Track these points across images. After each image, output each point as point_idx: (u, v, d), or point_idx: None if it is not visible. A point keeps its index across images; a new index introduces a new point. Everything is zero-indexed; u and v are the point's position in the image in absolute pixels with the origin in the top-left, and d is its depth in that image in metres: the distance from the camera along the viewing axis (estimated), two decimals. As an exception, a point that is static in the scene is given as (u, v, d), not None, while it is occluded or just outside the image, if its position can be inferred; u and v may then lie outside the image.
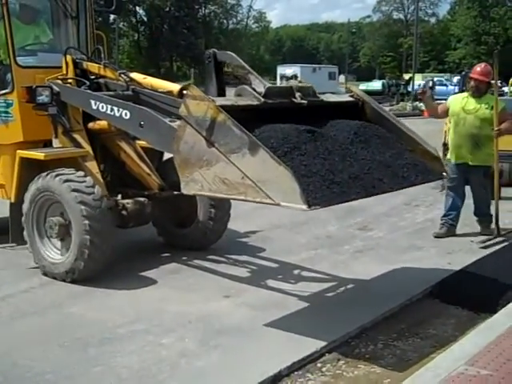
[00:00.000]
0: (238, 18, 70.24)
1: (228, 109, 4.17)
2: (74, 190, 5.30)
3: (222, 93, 5.29)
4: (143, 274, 5.74)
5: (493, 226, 7.06)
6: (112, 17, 43.79)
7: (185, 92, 5.40)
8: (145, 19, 62.00)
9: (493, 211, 7.08)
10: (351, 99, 5.13)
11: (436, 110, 7.38)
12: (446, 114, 7.22)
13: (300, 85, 4.71)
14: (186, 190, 4.43)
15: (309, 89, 4.78)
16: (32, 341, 4.35)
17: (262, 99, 4.43)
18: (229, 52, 5.42)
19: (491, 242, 6.81)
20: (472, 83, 7.01)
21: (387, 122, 5.02)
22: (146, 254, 6.40)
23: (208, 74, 5.37)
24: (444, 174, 5.10)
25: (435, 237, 7.05)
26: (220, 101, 4.26)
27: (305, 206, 3.73)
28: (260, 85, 4.83)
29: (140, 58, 59.03)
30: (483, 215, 7.18)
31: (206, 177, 4.22)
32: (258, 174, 3.93)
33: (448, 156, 7.22)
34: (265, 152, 3.87)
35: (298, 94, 4.58)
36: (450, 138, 7.21)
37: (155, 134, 5.03)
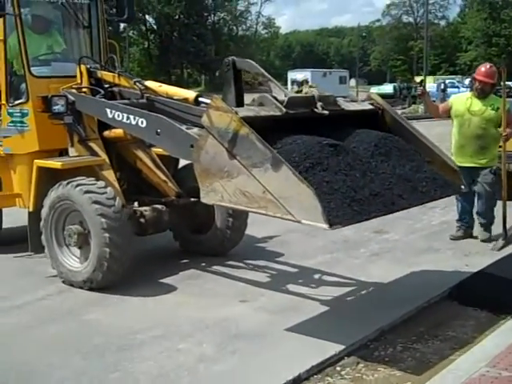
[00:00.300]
0: (248, 25, 70.59)
1: (251, 120, 4.16)
2: (95, 202, 5.28)
3: (240, 100, 5.28)
4: (159, 280, 5.75)
5: (497, 243, 6.76)
6: (122, 25, 44.04)
7: (208, 102, 5.43)
8: (154, 27, 62.35)
9: (497, 215, 6.92)
10: (371, 107, 5.10)
11: (436, 109, 7.34)
12: (447, 113, 7.10)
13: (321, 94, 4.69)
14: (205, 199, 4.43)
15: (329, 98, 4.77)
16: (50, 348, 4.36)
17: (284, 109, 4.40)
18: (248, 60, 5.40)
19: (503, 243, 6.69)
20: (477, 84, 6.87)
21: (406, 132, 5.00)
22: (162, 261, 6.41)
23: (226, 82, 5.34)
24: (462, 187, 5.07)
25: (451, 239, 7.00)
26: (243, 112, 4.24)
27: (326, 226, 3.74)
28: (280, 92, 4.85)
29: (151, 66, 59.32)
30: (486, 219, 6.98)
31: (226, 188, 4.22)
32: (280, 190, 3.92)
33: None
34: (287, 168, 3.87)
35: (319, 104, 4.56)
36: (453, 139, 7.05)
37: (172, 142, 5.04)
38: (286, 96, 4.81)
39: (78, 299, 5.31)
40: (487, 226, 6.99)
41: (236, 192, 4.17)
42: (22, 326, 4.76)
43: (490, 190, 6.89)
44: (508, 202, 6.93)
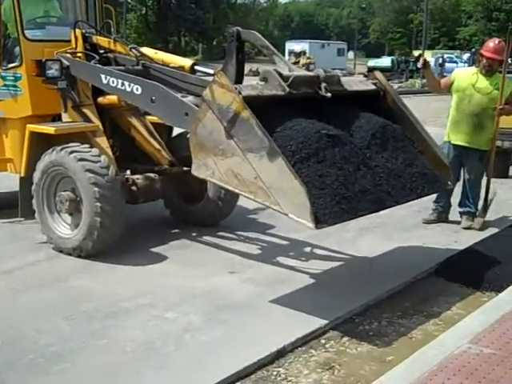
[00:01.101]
0: (247, -7, 69.66)
1: (253, 99, 4.14)
2: (88, 171, 5.25)
3: (240, 73, 5.21)
4: (149, 249, 5.76)
5: (476, 220, 6.72)
6: (120, -10, 43.53)
7: (204, 70, 5.41)
8: (153, -7, 61.54)
9: (479, 206, 6.78)
10: (373, 88, 5.07)
11: (438, 83, 6.95)
12: (448, 88, 6.78)
13: (326, 74, 4.65)
14: (196, 172, 4.44)
15: (334, 77, 4.74)
16: (38, 313, 4.38)
17: (287, 89, 4.37)
18: (253, 31, 5.30)
19: (483, 221, 6.64)
20: (484, 61, 6.53)
21: (404, 117, 5.02)
22: (152, 230, 6.42)
23: (229, 53, 5.24)
24: (450, 183, 5.11)
25: (424, 222, 6.77)
26: (246, 90, 4.20)
27: (312, 225, 3.81)
28: (285, 67, 4.80)
29: (148, 33, 58.67)
30: (468, 208, 6.79)
31: (219, 166, 4.23)
32: (272, 180, 3.94)
33: (445, 138, 6.77)
34: (282, 161, 3.88)
35: (323, 85, 4.53)
36: (450, 115, 6.77)
37: (166, 109, 5.02)
38: (290, 70, 4.77)
39: (67, 266, 5.32)
40: (469, 215, 6.79)
41: (228, 172, 4.19)
42: (10, 291, 4.78)
43: (476, 180, 6.74)
44: (498, 180, 6.90)
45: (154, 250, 5.74)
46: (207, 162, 4.30)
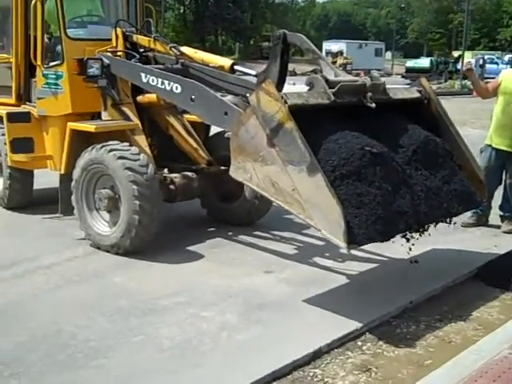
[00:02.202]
0: (285, -8, 69.54)
1: (299, 108, 4.15)
2: (128, 169, 5.29)
3: (283, 75, 5.18)
4: (185, 247, 5.79)
5: None
6: (159, -11, 43.90)
7: (244, 70, 5.45)
8: (191, -8, 61.91)
9: None
10: (418, 96, 5.04)
11: (485, 88, 6.75)
12: (495, 91, 6.56)
13: (373, 82, 4.63)
14: (234, 174, 4.47)
15: (380, 86, 4.73)
16: (77, 309, 4.44)
17: (333, 97, 4.37)
18: (299, 34, 5.27)
19: None
20: None
21: (445, 128, 5.01)
22: (189, 228, 6.45)
23: (273, 55, 5.21)
24: (484, 201, 5.14)
25: (462, 226, 6.56)
26: (292, 99, 4.20)
27: (344, 245, 3.83)
28: (331, 72, 4.79)
29: (185, 32, 59.01)
30: (509, 212, 6.65)
31: (257, 172, 4.25)
32: (309, 195, 3.95)
33: (487, 141, 6.61)
34: (322, 178, 3.88)
35: (368, 94, 4.52)
36: (494, 117, 6.56)
37: (206, 108, 5.04)
38: (336, 76, 4.75)
39: (104, 262, 5.38)
40: (510, 219, 6.64)
41: (266, 179, 4.20)
42: (50, 286, 4.85)
43: None
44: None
45: (190, 248, 5.77)
46: (246, 165, 4.32)
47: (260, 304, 4.56)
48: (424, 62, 43.16)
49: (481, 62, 33.03)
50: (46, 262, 5.35)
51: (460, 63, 36.57)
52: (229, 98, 4.97)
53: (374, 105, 4.51)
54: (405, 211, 4.24)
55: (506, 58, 42.28)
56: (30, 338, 3.99)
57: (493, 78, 6.89)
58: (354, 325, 4.20)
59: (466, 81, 28.60)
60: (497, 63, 39.59)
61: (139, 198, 5.26)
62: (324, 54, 44.80)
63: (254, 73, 5.43)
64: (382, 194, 4.13)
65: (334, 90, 4.40)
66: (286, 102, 4.11)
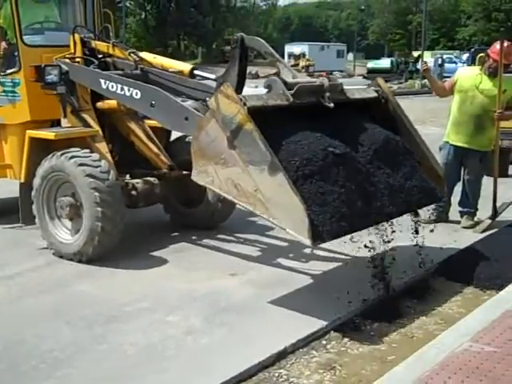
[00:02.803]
0: (246, -4, 69.67)
1: (258, 110, 4.17)
2: (89, 176, 5.25)
3: (242, 78, 5.20)
4: (149, 253, 5.77)
5: (476, 219, 6.73)
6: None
7: (203, 75, 5.47)
8: (152, -3, 61.61)
9: (480, 205, 6.76)
10: (375, 95, 5.11)
11: (442, 87, 6.90)
12: (452, 90, 6.70)
13: (331, 83, 4.68)
14: (196, 178, 4.47)
15: (338, 86, 4.78)
16: (39, 319, 4.39)
17: (291, 98, 4.40)
18: (257, 38, 5.28)
19: (488, 224, 6.56)
20: (491, 62, 6.42)
21: (403, 127, 5.07)
22: (152, 234, 6.43)
23: (232, 59, 5.20)
24: (444, 196, 5.23)
25: (424, 223, 6.34)
26: (251, 101, 4.22)
27: (309, 242, 3.87)
28: (289, 74, 4.82)
29: (147, 37, 58.73)
30: (468, 208, 6.78)
31: (219, 174, 4.27)
32: (272, 194, 3.97)
33: (445, 138, 6.75)
34: (283, 176, 3.91)
35: (327, 95, 4.55)
36: (451, 115, 6.70)
37: (166, 114, 5.04)
38: (294, 77, 4.79)
39: (67, 271, 5.33)
40: (469, 215, 6.77)
41: (228, 181, 4.22)
42: (11, 297, 4.79)
43: (476, 180, 6.71)
44: (498, 179, 6.83)
45: (154, 253, 5.75)
46: (208, 169, 4.33)
47: (225, 307, 4.57)
48: (385, 62, 43.75)
49: (440, 61, 33.53)
50: (8, 272, 5.28)
51: (420, 63, 37.12)
52: (189, 103, 4.97)
53: (332, 104, 4.55)
54: (368, 207, 4.29)
55: (464, 56, 42.95)
56: (-9, 349, 3.93)
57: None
58: (318, 324, 4.24)
59: (425, 80, 28.97)
60: (455, 62, 40.23)
61: (101, 205, 5.22)
62: (286, 56, 45.09)
63: (213, 77, 5.45)
64: (345, 193, 4.17)
65: (292, 92, 4.44)
66: (245, 104, 4.14)
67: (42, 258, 5.60)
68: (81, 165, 5.32)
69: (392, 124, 5.05)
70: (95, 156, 5.47)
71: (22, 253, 5.78)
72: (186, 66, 5.58)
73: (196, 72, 5.54)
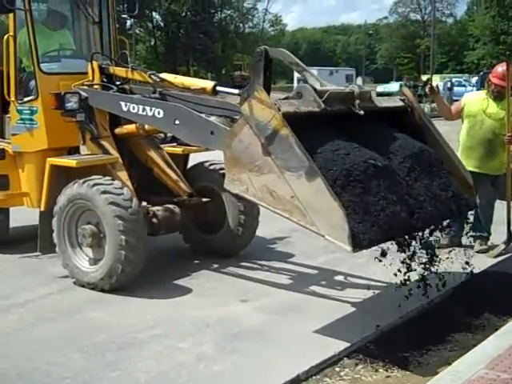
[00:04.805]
0: (254, 22, 70.39)
1: (290, 115, 4.12)
2: (112, 203, 5.20)
3: (266, 91, 5.16)
4: (162, 279, 5.74)
5: (489, 243, 6.65)
6: (129, 22, 44.14)
7: (226, 91, 5.37)
8: (161, 24, 62.33)
9: (493, 230, 6.68)
10: (402, 104, 5.06)
11: (449, 110, 6.86)
12: (459, 114, 6.69)
13: (360, 90, 4.64)
14: (229, 187, 4.38)
15: (366, 94, 4.73)
16: (52, 346, 4.38)
17: (323, 105, 4.34)
18: (281, 49, 5.20)
19: (503, 248, 6.49)
20: (493, 87, 6.46)
21: (430, 135, 5.00)
22: (165, 260, 6.40)
23: (256, 72, 5.08)
24: (476, 206, 5.16)
25: (437, 248, 6.63)
26: (284, 106, 4.17)
27: (349, 248, 3.77)
28: (316, 82, 4.70)
29: (157, 63, 59.27)
30: (481, 232, 6.70)
31: (253, 182, 4.18)
32: (310, 200, 3.89)
33: None
34: (322, 182, 3.83)
35: (357, 102, 4.51)
36: (461, 139, 6.69)
37: (191, 130, 5.02)
38: (321, 86, 4.69)
39: (80, 298, 5.32)
40: (482, 239, 6.71)
41: (263, 189, 4.13)
42: (23, 324, 4.78)
43: (489, 204, 6.66)
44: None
45: (166, 280, 5.72)
46: (241, 177, 4.24)
47: (237, 333, 4.55)
48: (394, 86, 43.75)
49: (449, 84, 33.60)
50: (20, 299, 5.27)
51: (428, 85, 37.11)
52: (213, 119, 4.95)
53: (362, 112, 4.49)
54: (409, 217, 4.22)
55: (474, 80, 43.04)
56: (4, 377, 3.92)
57: (461, 100, 6.97)
58: (331, 350, 4.20)
59: (434, 104, 28.94)
60: (464, 85, 40.28)
61: (125, 233, 5.16)
62: (295, 81, 45.26)
63: (236, 92, 5.36)
64: (386, 203, 4.09)
65: (323, 98, 4.38)
66: (279, 109, 4.07)
67: (55, 285, 5.60)
68: (104, 192, 5.28)
69: (419, 133, 4.96)
70: (117, 183, 5.44)
71: (34, 280, 5.78)
72: (208, 84, 5.49)
73: (218, 88, 5.43)
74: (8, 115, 6.52)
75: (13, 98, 6.30)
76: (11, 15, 6.11)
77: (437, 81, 38.13)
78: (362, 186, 4.06)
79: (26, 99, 6.25)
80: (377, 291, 5.40)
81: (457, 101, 7.50)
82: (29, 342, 4.46)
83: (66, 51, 6.95)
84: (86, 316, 4.94)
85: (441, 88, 7.50)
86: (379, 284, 5.55)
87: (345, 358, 4.17)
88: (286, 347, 4.31)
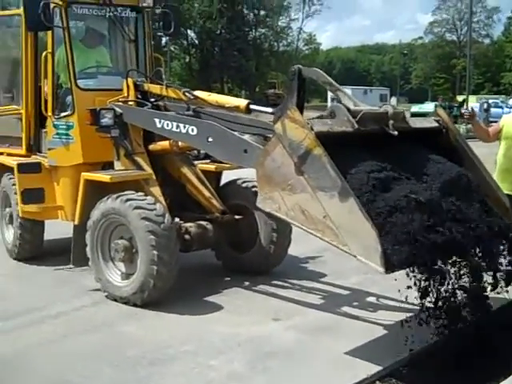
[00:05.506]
0: (289, 40, 70.65)
1: (323, 135, 4.12)
2: (145, 219, 5.24)
3: (300, 110, 5.17)
4: (192, 295, 5.75)
5: None
6: (164, 40, 44.67)
7: (260, 109, 5.38)
8: (196, 42, 63.00)
9: None
10: (436, 125, 5.00)
11: (486, 132, 6.64)
12: (497, 136, 6.46)
13: (394, 111, 4.60)
14: (261, 205, 4.40)
15: (400, 114, 4.69)
16: (84, 359, 4.41)
17: (356, 125, 4.33)
18: (315, 68, 5.21)
19: None
20: None
21: (466, 157, 4.92)
22: (195, 277, 6.40)
23: (289, 91, 5.11)
24: None
25: None
26: (317, 126, 4.18)
27: (382, 270, 3.74)
28: (350, 102, 4.71)
29: (191, 80, 59.82)
30: None
31: (286, 200, 4.19)
32: (342, 221, 3.89)
33: None
34: (354, 202, 3.83)
35: (390, 122, 4.48)
36: (498, 162, 6.45)
37: (224, 148, 5.05)
38: (355, 105, 4.69)
39: (112, 311, 5.36)
40: None
41: (295, 207, 4.14)
42: (57, 336, 4.83)
43: None
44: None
45: (198, 297, 5.74)
46: (273, 195, 4.26)
47: (268, 352, 4.52)
48: (428, 106, 43.35)
49: (485, 106, 33.22)
50: (53, 311, 5.34)
51: (464, 107, 36.79)
52: (247, 137, 4.97)
53: (396, 132, 4.46)
54: (441, 243, 4.10)
55: (511, 101, 42.53)
56: (37, 389, 3.96)
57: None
58: (363, 373, 4.15)
59: (470, 125, 28.61)
60: (501, 107, 39.76)
61: (157, 248, 5.19)
62: (329, 100, 45.26)
63: (270, 110, 5.38)
64: (420, 224, 4.01)
65: (357, 118, 4.36)
66: (312, 129, 4.08)
67: (87, 298, 5.65)
68: (137, 208, 5.32)
69: (455, 154, 4.89)
70: (150, 199, 5.48)
71: (68, 292, 5.85)
72: (241, 102, 5.52)
73: (252, 107, 5.45)
74: (45, 130, 6.64)
75: (50, 113, 6.43)
76: (50, 33, 6.26)
77: (473, 102, 37.78)
78: (398, 214, 4.01)
79: (62, 114, 6.37)
80: (409, 314, 5.32)
81: (494, 122, 7.37)
82: (61, 355, 4.50)
83: (102, 68, 7.07)
84: (118, 330, 4.97)
85: (477, 109, 7.36)
86: (412, 307, 5.47)
87: (377, 382, 4.12)
88: (317, 368, 4.28)
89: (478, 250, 4.52)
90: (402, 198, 4.09)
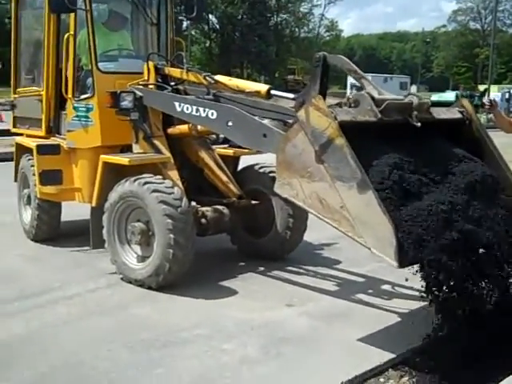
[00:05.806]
0: (310, 27, 70.22)
1: (347, 124, 4.09)
2: (162, 202, 5.25)
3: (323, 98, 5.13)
4: (207, 280, 5.78)
5: None
6: (185, 24, 44.57)
7: (280, 94, 5.31)
8: (217, 27, 62.84)
9: None
10: (460, 116, 4.95)
11: (508, 122, 6.44)
12: None
13: (419, 102, 4.53)
14: (279, 190, 4.39)
15: (424, 105, 4.62)
16: (98, 340, 4.45)
17: (379, 115, 4.28)
18: (340, 56, 5.13)
19: None
20: None
21: (487, 149, 4.86)
22: (210, 261, 6.43)
23: (313, 77, 5.04)
24: None
25: None
26: (341, 115, 4.14)
27: (396, 264, 3.72)
28: (374, 90, 4.64)
29: (211, 65, 59.76)
30: None
31: (304, 188, 4.18)
32: (359, 212, 3.87)
33: None
34: (373, 195, 3.80)
35: (414, 113, 4.42)
36: None
37: (244, 132, 5.03)
38: (379, 94, 4.61)
39: (127, 294, 5.39)
40: None
41: (313, 195, 4.13)
42: (71, 317, 4.88)
43: None
44: None
45: (213, 281, 5.76)
46: (292, 181, 4.25)
47: (281, 338, 4.53)
48: (449, 95, 42.93)
49: (507, 95, 32.85)
50: (69, 292, 5.38)
51: (486, 97, 36.35)
52: (266, 122, 4.95)
53: (419, 124, 4.40)
54: (457, 241, 4.02)
55: (533, 91, 41.99)
56: (51, 368, 4.00)
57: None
58: (377, 360, 4.15)
59: (491, 115, 28.33)
60: (524, 97, 39.26)
61: (174, 232, 5.20)
62: (349, 87, 44.98)
63: (291, 96, 5.34)
64: (437, 222, 3.95)
65: (380, 108, 4.31)
66: (335, 118, 4.05)
67: (103, 280, 5.69)
68: (154, 191, 5.33)
69: (475, 146, 4.85)
70: (168, 183, 5.49)
71: (83, 274, 5.89)
72: (262, 87, 5.48)
73: (273, 92, 5.38)
74: (64, 112, 6.66)
75: (70, 95, 6.43)
76: (72, 15, 6.26)
77: (494, 91, 37.33)
78: (415, 200, 4.00)
79: (82, 97, 6.37)
80: (424, 303, 5.30)
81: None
82: (76, 335, 4.54)
83: (123, 51, 7.05)
84: (132, 312, 5.00)
85: (498, 99, 7.27)
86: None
87: (390, 369, 4.11)
88: (330, 354, 4.28)
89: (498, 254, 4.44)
90: (427, 207, 4.00)
